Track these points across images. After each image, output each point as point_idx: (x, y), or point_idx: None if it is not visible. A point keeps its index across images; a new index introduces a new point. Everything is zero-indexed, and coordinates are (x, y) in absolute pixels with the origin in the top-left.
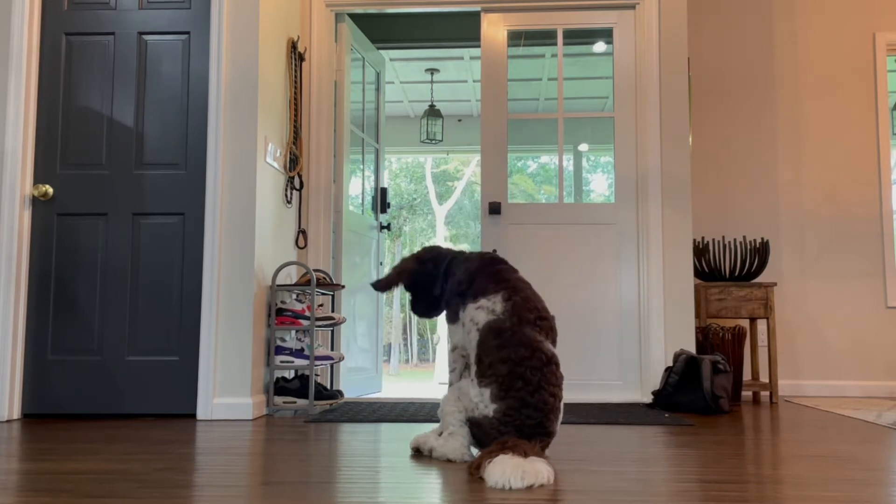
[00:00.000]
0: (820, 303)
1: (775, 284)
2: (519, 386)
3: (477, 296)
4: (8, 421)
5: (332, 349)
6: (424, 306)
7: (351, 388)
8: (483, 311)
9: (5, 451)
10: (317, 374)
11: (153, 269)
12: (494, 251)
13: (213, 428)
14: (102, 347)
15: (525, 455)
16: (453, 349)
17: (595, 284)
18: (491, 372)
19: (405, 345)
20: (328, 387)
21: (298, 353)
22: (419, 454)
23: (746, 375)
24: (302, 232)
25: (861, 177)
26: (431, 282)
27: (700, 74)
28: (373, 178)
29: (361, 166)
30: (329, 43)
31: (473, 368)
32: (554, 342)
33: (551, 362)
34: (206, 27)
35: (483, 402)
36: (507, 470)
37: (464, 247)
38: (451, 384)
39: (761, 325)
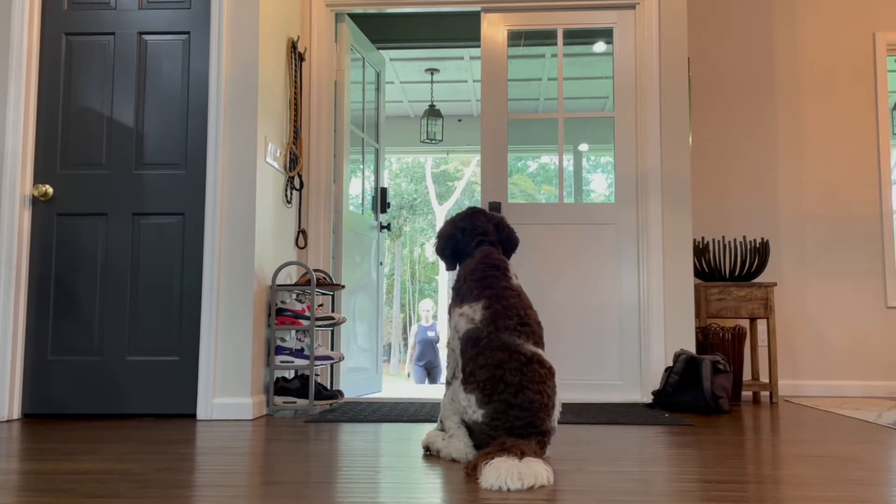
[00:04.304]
0: (820, 303)
1: (775, 284)
2: (501, 389)
3: (463, 301)
4: (8, 421)
5: (332, 349)
6: (451, 260)
7: (351, 388)
8: (464, 318)
9: (5, 451)
10: (317, 374)
11: (153, 269)
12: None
13: (213, 428)
14: (102, 347)
15: (521, 456)
16: (447, 345)
17: (595, 284)
18: (473, 379)
19: (405, 345)
20: (328, 387)
21: (298, 353)
22: (430, 453)
23: (746, 375)
24: (302, 232)
25: (861, 177)
26: (458, 247)
27: (700, 74)
28: (373, 178)
29: (361, 166)
30: (329, 43)
31: (459, 375)
32: (537, 345)
33: (532, 361)
34: (206, 27)
35: (471, 407)
36: (501, 472)
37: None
38: (447, 382)
39: (761, 325)
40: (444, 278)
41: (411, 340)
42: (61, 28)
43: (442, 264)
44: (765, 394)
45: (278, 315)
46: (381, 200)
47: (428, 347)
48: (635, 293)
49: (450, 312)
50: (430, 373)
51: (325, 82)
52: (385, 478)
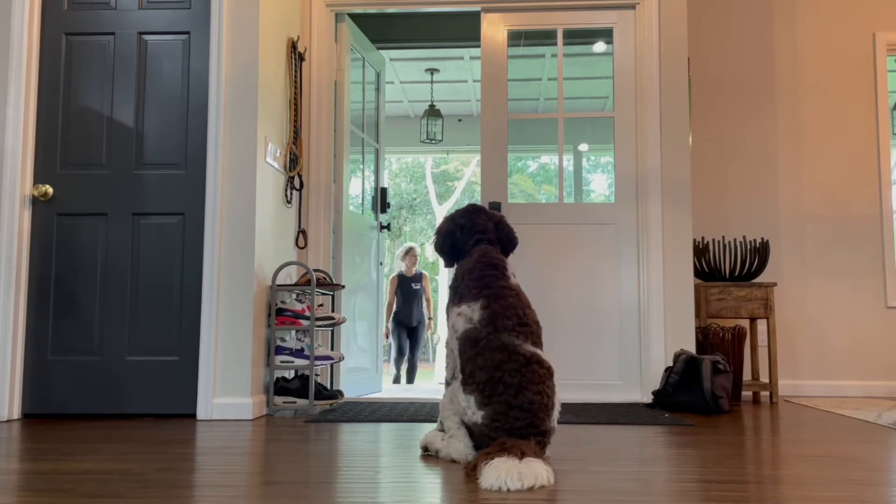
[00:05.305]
0: (820, 303)
1: (775, 284)
2: (500, 390)
3: (461, 300)
4: (8, 421)
5: (332, 349)
6: (450, 257)
7: (351, 388)
8: (462, 318)
9: (5, 451)
10: (317, 374)
11: (153, 269)
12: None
13: (213, 428)
14: (102, 347)
15: (521, 456)
16: (446, 344)
17: (595, 284)
18: (472, 380)
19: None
20: (328, 387)
21: (298, 353)
22: (428, 453)
23: (746, 375)
24: (302, 232)
25: (861, 177)
26: (457, 244)
27: (700, 74)
28: (373, 178)
29: (361, 166)
30: (329, 43)
31: (459, 376)
32: (535, 345)
33: (531, 361)
34: (206, 27)
35: (470, 408)
36: (501, 473)
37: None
38: (447, 382)
39: (761, 325)
40: (444, 279)
41: (388, 294)
42: (61, 28)
43: (441, 261)
44: (765, 394)
45: (278, 315)
46: (381, 200)
47: (411, 303)
48: (635, 293)
49: (448, 312)
50: (412, 336)
51: (325, 82)
52: (385, 478)
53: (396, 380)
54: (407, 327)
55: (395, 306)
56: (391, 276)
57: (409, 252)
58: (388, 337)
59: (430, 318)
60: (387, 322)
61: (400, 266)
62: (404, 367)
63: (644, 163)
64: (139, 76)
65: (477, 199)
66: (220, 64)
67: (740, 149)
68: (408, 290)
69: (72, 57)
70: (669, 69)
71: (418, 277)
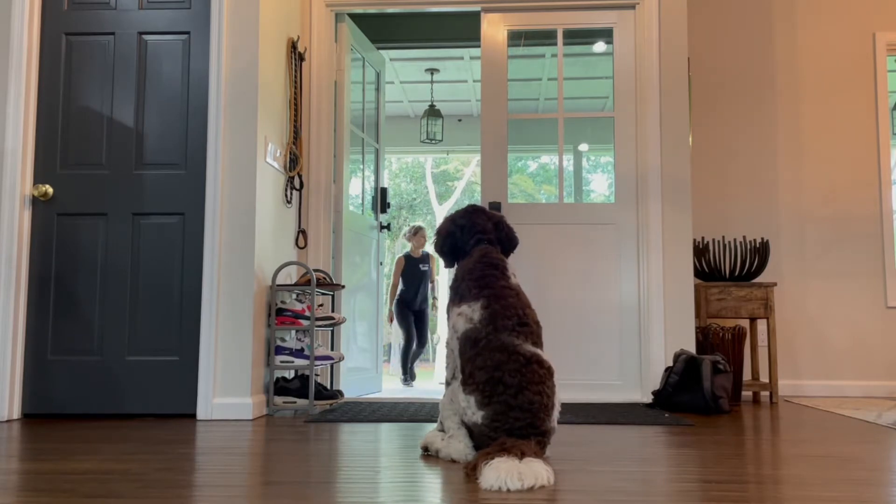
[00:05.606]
0: (820, 303)
1: (775, 284)
2: (500, 390)
3: (461, 300)
4: (8, 421)
5: (332, 349)
6: (450, 257)
7: (351, 388)
8: (463, 318)
9: (5, 451)
10: (317, 374)
11: (153, 269)
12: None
13: (213, 428)
14: (102, 347)
15: (521, 456)
16: (446, 344)
17: (595, 284)
18: (472, 380)
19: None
20: (328, 387)
21: (298, 353)
22: (428, 453)
23: (746, 375)
24: (302, 232)
25: (861, 177)
26: (457, 245)
27: (700, 74)
28: (373, 178)
29: (361, 166)
30: (329, 43)
31: (459, 376)
32: (535, 345)
33: (531, 361)
34: (206, 27)
35: (470, 408)
36: (501, 473)
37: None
38: (447, 382)
39: (761, 325)
40: (444, 279)
41: (393, 275)
42: (61, 28)
43: (441, 261)
44: (765, 394)
45: (278, 315)
46: (381, 200)
47: (417, 285)
48: (635, 293)
49: (448, 312)
50: (417, 320)
51: (325, 82)
52: (385, 478)
53: (406, 380)
54: (412, 311)
55: (399, 288)
56: (397, 258)
57: (419, 232)
58: (391, 321)
59: (434, 298)
60: (389, 305)
61: (407, 247)
62: (411, 358)
63: (644, 163)
64: (139, 76)
65: (477, 199)
66: (220, 64)
67: (740, 149)
68: (415, 271)
69: (72, 57)
70: (669, 69)
71: (426, 258)
